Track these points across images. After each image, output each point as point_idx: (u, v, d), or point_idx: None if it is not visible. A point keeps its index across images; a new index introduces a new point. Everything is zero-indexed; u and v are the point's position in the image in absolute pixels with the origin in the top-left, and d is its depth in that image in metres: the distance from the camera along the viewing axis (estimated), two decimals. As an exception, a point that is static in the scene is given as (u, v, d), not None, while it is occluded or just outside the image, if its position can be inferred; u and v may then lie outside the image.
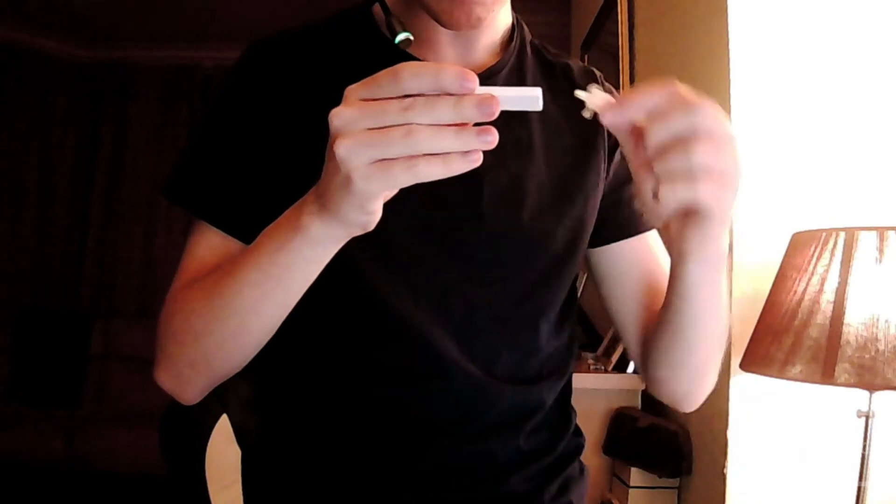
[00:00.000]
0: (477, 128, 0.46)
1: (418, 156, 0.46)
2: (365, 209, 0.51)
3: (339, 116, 0.48)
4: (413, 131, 0.46)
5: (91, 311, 4.23)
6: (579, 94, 0.54)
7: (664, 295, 0.73)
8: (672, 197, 0.51)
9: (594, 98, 0.53)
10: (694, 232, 0.58)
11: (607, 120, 0.52)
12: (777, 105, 1.42)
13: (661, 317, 0.75)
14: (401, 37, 0.71)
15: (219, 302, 0.66)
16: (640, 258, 0.85)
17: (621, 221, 0.85)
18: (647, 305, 0.84)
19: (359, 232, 0.56)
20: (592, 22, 2.87)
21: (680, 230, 0.60)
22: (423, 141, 0.46)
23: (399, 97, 0.46)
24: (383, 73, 0.47)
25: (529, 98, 0.49)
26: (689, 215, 0.56)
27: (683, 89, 0.51)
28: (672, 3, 1.91)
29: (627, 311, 0.86)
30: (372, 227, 0.54)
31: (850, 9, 1.42)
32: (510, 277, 0.77)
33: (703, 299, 0.68)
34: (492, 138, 0.46)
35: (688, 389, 0.83)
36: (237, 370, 0.72)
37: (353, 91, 0.49)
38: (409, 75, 0.46)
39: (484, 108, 0.45)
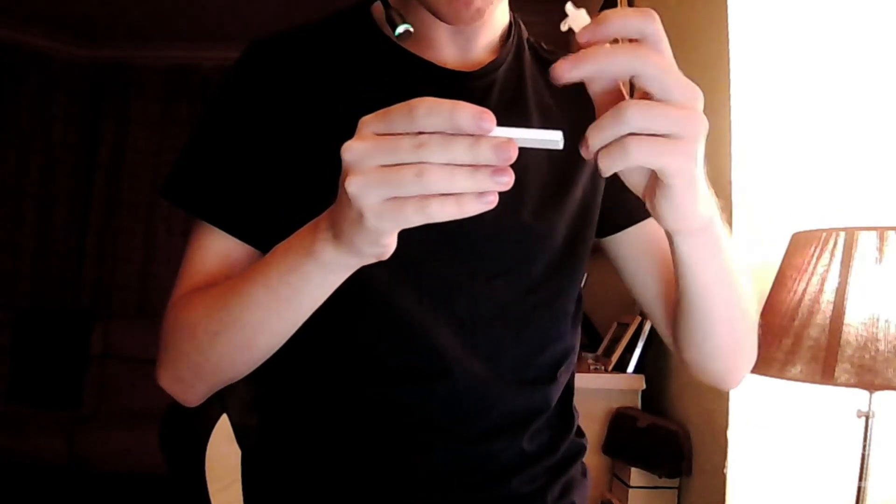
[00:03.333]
0: (491, 168, 0.44)
1: (431, 195, 0.45)
2: (379, 243, 0.50)
3: (351, 151, 0.46)
4: (425, 171, 0.44)
5: (91, 311, 4.23)
6: (569, 7, 0.51)
7: None
8: (607, 161, 0.47)
9: (578, 19, 0.50)
10: (661, 201, 0.53)
11: (583, 38, 0.48)
12: (777, 105, 1.42)
13: (676, 300, 0.73)
14: (401, 28, 0.70)
15: (226, 317, 0.66)
16: (654, 241, 0.83)
17: (630, 207, 0.83)
18: (669, 287, 0.81)
19: (373, 260, 0.54)
20: (592, 22, 2.86)
21: (651, 203, 0.55)
22: (436, 181, 0.44)
23: (413, 133, 0.44)
24: (398, 107, 0.45)
25: (549, 140, 0.47)
26: (658, 184, 0.52)
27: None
28: (672, 3, 1.91)
29: (652, 296, 0.84)
30: (387, 256, 0.53)
31: (850, 9, 1.42)
32: (513, 271, 0.77)
33: (702, 274, 0.65)
34: (507, 179, 0.44)
35: (724, 367, 0.79)
36: (241, 377, 0.72)
37: (367, 123, 0.47)
38: (423, 111, 0.44)
39: (501, 153, 0.43)
